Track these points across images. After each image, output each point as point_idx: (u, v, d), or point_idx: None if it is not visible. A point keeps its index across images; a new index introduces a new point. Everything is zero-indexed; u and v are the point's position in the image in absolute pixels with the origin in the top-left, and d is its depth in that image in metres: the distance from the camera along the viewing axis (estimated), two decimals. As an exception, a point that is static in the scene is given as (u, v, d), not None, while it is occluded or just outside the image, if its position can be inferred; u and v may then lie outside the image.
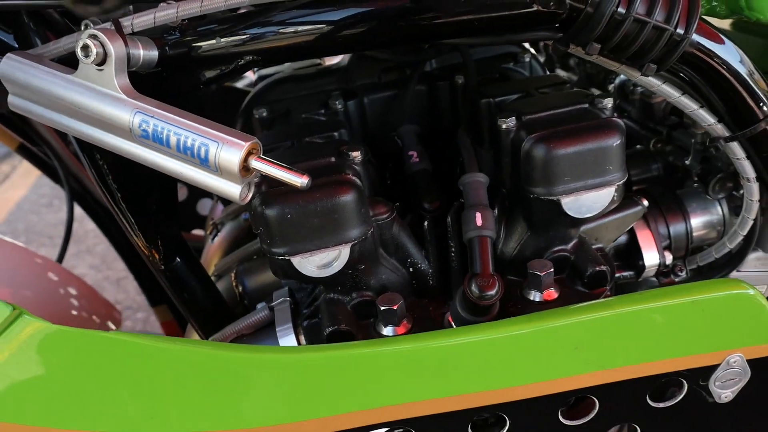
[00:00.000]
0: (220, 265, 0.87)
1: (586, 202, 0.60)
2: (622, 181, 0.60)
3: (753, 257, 0.76)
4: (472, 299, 0.54)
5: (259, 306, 0.71)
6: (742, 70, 0.58)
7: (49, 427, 0.52)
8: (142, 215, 0.68)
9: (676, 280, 0.76)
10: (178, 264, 0.73)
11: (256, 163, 0.49)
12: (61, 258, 1.18)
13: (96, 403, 0.52)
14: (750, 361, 0.58)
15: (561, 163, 0.58)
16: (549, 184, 0.59)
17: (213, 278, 0.84)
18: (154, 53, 0.58)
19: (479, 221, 0.57)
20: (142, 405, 0.52)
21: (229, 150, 0.49)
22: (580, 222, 0.61)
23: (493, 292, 0.54)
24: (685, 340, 0.56)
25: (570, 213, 0.59)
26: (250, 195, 0.51)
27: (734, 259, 0.74)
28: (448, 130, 0.78)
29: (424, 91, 0.78)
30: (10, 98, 0.58)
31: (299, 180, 0.48)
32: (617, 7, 0.52)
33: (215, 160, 0.50)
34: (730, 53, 0.57)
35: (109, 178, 0.64)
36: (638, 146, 0.86)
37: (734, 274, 0.77)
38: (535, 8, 0.54)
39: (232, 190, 0.51)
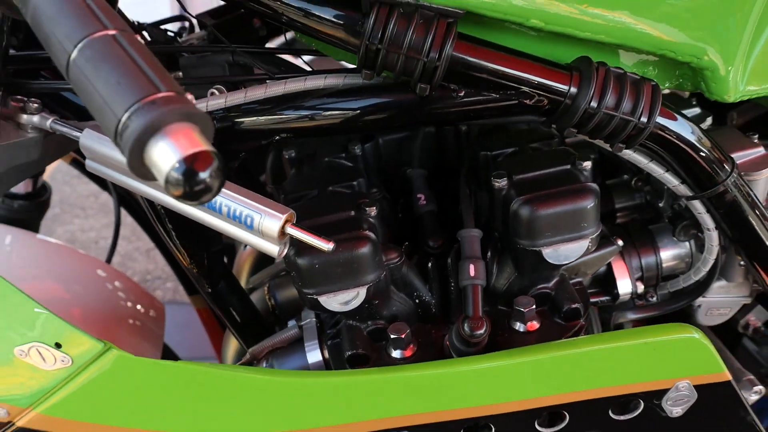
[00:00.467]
0: (254, 279, 1.00)
1: (564, 252, 0.71)
2: (595, 234, 0.72)
3: (717, 285, 0.88)
4: (465, 337, 0.67)
5: (290, 324, 0.85)
6: (697, 142, 0.69)
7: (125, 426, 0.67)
8: (193, 249, 0.81)
9: (649, 303, 0.88)
10: (222, 286, 0.87)
11: (290, 230, 0.61)
12: (109, 259, 1.32)
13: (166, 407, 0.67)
14: (696, 386, 0.70)
15: (543, 221, 0.70)
16: (532, 238, 0.71)
17: (247, 290, 0.98)
18: (204, 125, 0.70)
19: (472, 272, 0.69)
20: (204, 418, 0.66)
21: (270, 220, 0.61)
22: (559, 266, 0.73)
23: (481, 332, 0.67)
24: (640, 371, 0.69)
25: (550, 261, 0.71)
26: (285, 251, 0.64)
27: (700, 288, 0.86)
28: (452, 168, 0.90)
29: (432, 133, 0.89)
30: (88, 162, 0.70)
31: (325, 246, 0.61)
32: (590, 102, 0.63)
33: (259, 227, 0.62)
34: (685, 129, 0.69)
35: (167, 221, 0.77)
36: (625, 176, 0.97)
37: (700, 299, 0.88)
38: (522, 101, 0.65)
39: (272, 248, 0.63)
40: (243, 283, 1.06)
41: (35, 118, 0.71)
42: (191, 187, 0.37)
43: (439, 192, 0.88)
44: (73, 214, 2.94)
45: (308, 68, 0.84)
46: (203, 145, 0.37)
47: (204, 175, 0.37)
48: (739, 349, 1.20)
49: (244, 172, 1.18)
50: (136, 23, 0.91)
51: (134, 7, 0.90)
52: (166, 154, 0.37)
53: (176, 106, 0.38)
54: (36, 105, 0.71)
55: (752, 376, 1.01)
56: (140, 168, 0.38)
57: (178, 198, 0.37)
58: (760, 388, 0.94)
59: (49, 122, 0.71)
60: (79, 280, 1.28)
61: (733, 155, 0.76)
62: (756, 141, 0.81)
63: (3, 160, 0.73)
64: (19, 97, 0.71)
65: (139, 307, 1.38)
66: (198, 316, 1.52)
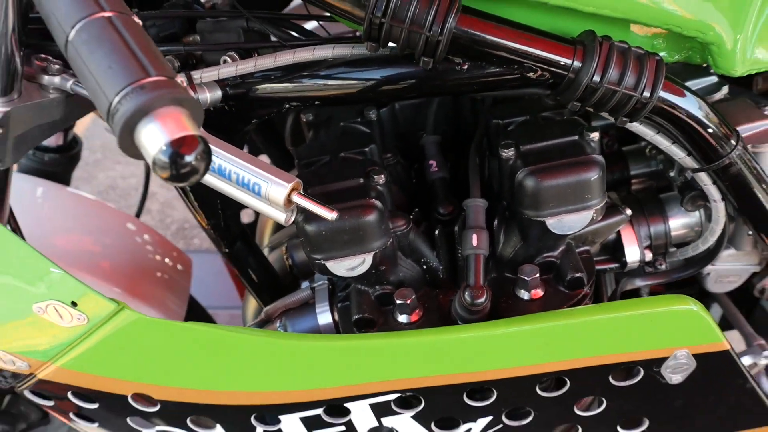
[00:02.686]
0: (273, 239, 1.03)
1: (568, 223, 0.73)
2: (600, 206, 0.73)
3: (726, 254, 0.88)
4: (466, 306, 0.69)
5: (303, 285, 0.88)
6: (702, 116, 0.69)
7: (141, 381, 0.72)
8: (210, 209, 0.84)
9: (657, 270, 0.89)
10: (239, 247, 0.90)
11: (296, 198, 0.64)
12: (138, 213, 1.37)
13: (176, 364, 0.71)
14: (695, 355, 0.72)
15: (547, 192, 0.71)
16: (536, 209, 0.72)
17: (266, 250, 1.01)
18: (218, 94, 0.72)
19: (475, 242, 0.71)
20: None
21: (277, 188, 0.64)
22: (564, 236, 0.75)
23: (482, 300, 0.69)
24: (639, 340, 0.71)
25: (554, 231, 0.73)
26: (293, 218, 0.66)
27: (709, 256, 0.86)
28: (468, 135, 0.91)
29: (447, 100, 0.90)
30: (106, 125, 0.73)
31: (329, 215, 0.63)
32: (593, 77, 0.63)
33: (266, 195, 0.64)
34: (690, 103, 0.68)
35: (184, 185, 0.80)
36: (642, 143, 0.97)
37: (709, 267, 0.89)
38: (527, 74, 0.65)
39: (279, 215, 0.65)
40: (265, 242, 1.10)
41: (56, 80, 0.73)
42: (177, 170, 0.39)
43: (454, 159, 0.89)
44: (114, 160, 2.98)
45: (325, 33, 0.86)
46: (190, 129, 0.39)
47: (189, 158, 0.39)
48: (758, 311, 1.21)
49: (270, 129, 1.21)
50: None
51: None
52: (154, 138, 0.39)
53: (165, 91, 0.40)
54: (57, 66, 0.74)
55: (763, 341, 1.02)
56: (130, 148, 0.41)
57: (165, 179, 0.40)
58: (770, 352, 0.96)
59: (69, 84, 0.73)
60: (108, 234, 1.32)
61: (740, 127, 0.76)
62: (766, 113, 0.80)
63: (26, 119, 0.76)
64: (42, 56, 0.73)
65: (167, 260, 1.43)
66: (226, 267, 1.57)
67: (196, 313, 1.24)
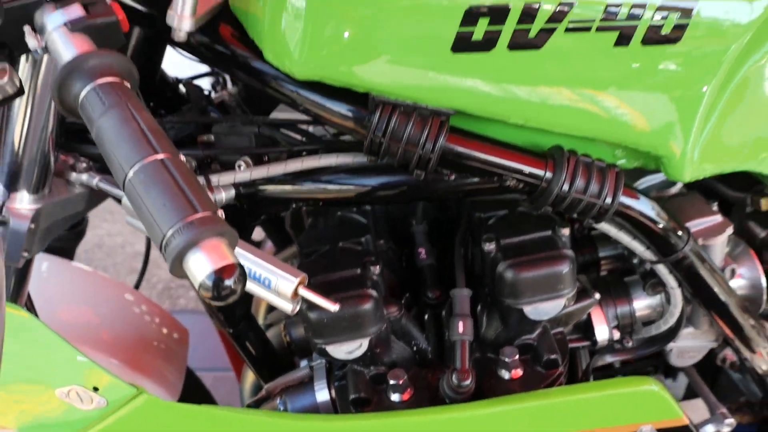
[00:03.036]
0: (271, 316, 1.11)
1: (544, 310, 0.82)
2: (571, 294, 0.82)
3: (685, 332, 0.97)
4: (453, 387, 0.78)
5: (302, 364, 0.96)
6: (656, 217, 0.79)
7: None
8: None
9: (625, 348, 0.98)
10: (243, 326, 0.98)
11: (302, 292, 0.72)
12: (137, 285, 1.43)
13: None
14: (658, 430, 0.80)
15: (524, 284, 0.80)
16: (515, 297, 0.81)
17: (264, 327, 1.09)
18: (232, 193, 0.81)
19: (461, 329, 0.80)
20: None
21: (285, 283, 0.72)
22: (540, 321, 0.84)
23: (467, 383, 0.77)
24: (607, 417, 0.79)
25: (531, 317, 0.82)
26: (297, 308, 0.74)
27: (670, 335, 0.96)
28: (452, 223, 1.00)
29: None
30: (127, 218, 0.81)
31: (331, 307, 0.71)
32: (562, 187, 0.74)
33: (276, 288, 0.72)
34: (646, 206, 0.79)
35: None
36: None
37: (671, 344, 0.98)
38: (505, 185, 0.76)
39: (286, 306, 0.73)
40: (260, 319, 1.17)
41: (84, 177, 0.82)
42: (219, 293, 0.48)
43: (440, 245, 0.98)
44: (101, 218, 3.01)
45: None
46: (230, 258, 0.48)
47: (229, 282, 0.48)
48: (723, 377, 1.30)
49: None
50: (174, 79, 1.02)
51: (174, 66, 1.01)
52: (200, 267, 0.47)
53: (210, 226, 0.48)
54: (84, 165, 0.82)
55: (725, 409, 1.10)
56: (179, 272, 0.49)
57: (207, 299, 0.48)
58: (731, 420, 1.04)
59: (95, 181, 0.82)
60: (108, 305, 1.38)
61: (692, 222, 0.87)
62: (714, 209, 0.91)
63: (55, 213, 0.84)
64: (69, 154, 0.82)
65: (164, 330, 1.48)
66: (218, 333, 1.63)
67: (188, 380, 1.29)
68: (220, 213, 0.51)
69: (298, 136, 0.89)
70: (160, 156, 0.52)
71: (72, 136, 0.86)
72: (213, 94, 1.09)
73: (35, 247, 0.83)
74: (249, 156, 0.82)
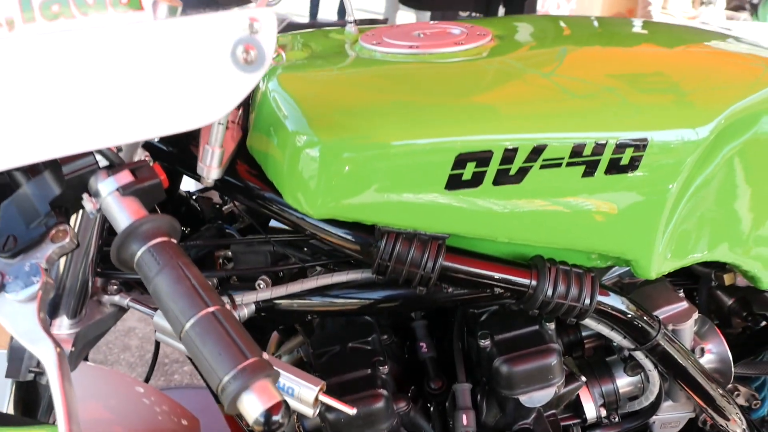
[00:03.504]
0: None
1: (537, 397, 0.92)
2: (561, 381, 0.92)
3: (665, 405, 1.08)
4: (459, 473, 0.87)
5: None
6: (630, 311, 0.90)
7: None
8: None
9: (612, 423, 1.08)
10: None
11: (322, 398, 0.81)
12: (147, 379, 1.50)
13: None
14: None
15: (519, 376, 0.90)
16: (511, 389, 0.91)
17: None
18: (252, 308, 0.90)
19: (465, 422, 0.90)
20: None
21: (307, 391, 0.81)
22: (534, 407, 0.93)
23: (472, 469, 0.87)
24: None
25: (526, 405, 0.92)
26: (317, 411, 0.83)
27: (651, 409, 1.06)
28: (448, 315, 1.10)
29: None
30: (158, 335, 0.90)
31: (349, 411, 0.80)
32: (545, 294, 0.84)
33: (298, 395, 0.82)
34: (620, 303, 0.90)
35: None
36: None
37: (653, 417, 1.08)
38: (496, 292, 0.86)
39: (308, 411, 0.82)
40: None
41: (116, 298, 0.91)
42: (270, 427, 0.57)
43: (439, 334, 1.08)
44: None
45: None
46: (277, 397, 0.57)
47: (277, 417, 0.57)
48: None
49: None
50: (187, 193, 1.12)
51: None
52: (253, 406, 0.56)
53: (258, 370, 0.58)
54: (115, 286, 0.91)
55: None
56: (234, 410, 0.58)
57: None
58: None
59: (126, 301, 0.90)
60: (119, 399, 1.44)
61: (662, 309, 0.98)
62: (681, 295, 1.02)
63: (89, 334, 0.92)
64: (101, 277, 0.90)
65: (175, 419, 1.55)
66: (215, 401, 1.68)
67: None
68: (265, 356, 0.61)
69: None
70: (211, 309, 0.61)
71: (103, 259, 0.95)
72: (223, 206, 1.19)
73: (72, 367, 0.91)
74: (266, 274, 0.92)
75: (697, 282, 1.29)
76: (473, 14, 3.70)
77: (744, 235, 0.97)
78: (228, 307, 0.65)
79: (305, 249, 0.96)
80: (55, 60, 0.54)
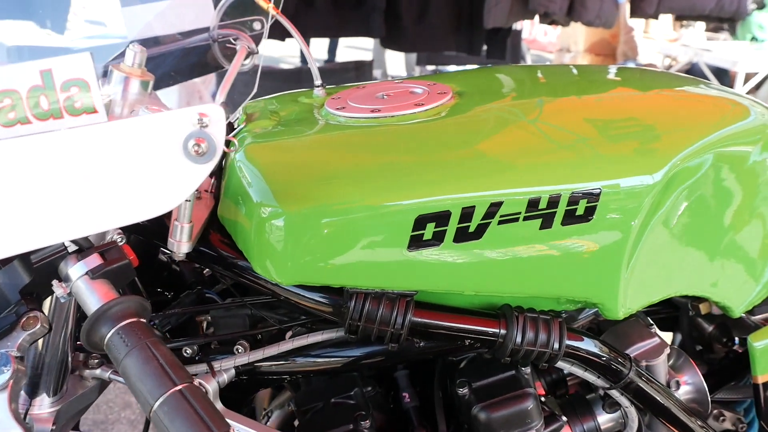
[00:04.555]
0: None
1: (516, 442, 0.93)
2: (540, 425, 0.94)
3: (645, 439, 1.09)
4: None
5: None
6: (600, 352, 0.92)
7: None
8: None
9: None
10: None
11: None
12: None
13: None
14: None
15: (497, 422, 0.92)
16: (489, 435, 0.93)
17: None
18: (232, 373, 0.92)
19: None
20: None
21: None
22: (515, 451, 0.95)
23: None
24: None
25: (506, 450, 0.93)
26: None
27: (634, 444, 1.07)
28: (430, 363, 1.12)
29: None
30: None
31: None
32: (515, 342, 0.87)
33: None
34: (590, 345, 0.92)
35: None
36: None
37: (635, 450, 1.10)
38: (468, 343, 0.89)
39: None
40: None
41: (97, 371, 0.93)
42: None
43: (421, 383, 1.10)
44: None
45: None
46: None
47: None
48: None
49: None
50: (168, 259, 1.15)
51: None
52: None
53: None
54: (96, 360, 0.93)
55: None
56: None
57: None
58: None
59: (108, 374, 0.92)
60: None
61: (635, 346, 1.00)
62: (652, 331, 1.04)
63: (71, 410, 0.93)
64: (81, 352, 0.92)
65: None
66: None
67: None
68: (232, 430, 0.63)
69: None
70: (179, 387, 0.64)
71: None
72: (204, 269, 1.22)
73: (57, 440, 0.92)
74: (244, 338, 0.95)
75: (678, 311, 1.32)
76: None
77: (706, 269, 1.00)
78: (197, 382, 0.68)
79: (282, 311, 0.99)
80: (16, 163, 0.57)
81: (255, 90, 0.97)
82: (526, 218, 0.82)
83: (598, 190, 0.83)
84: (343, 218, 0.78)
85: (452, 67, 5.67)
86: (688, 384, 1.08)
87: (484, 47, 3.79)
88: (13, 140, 0.56)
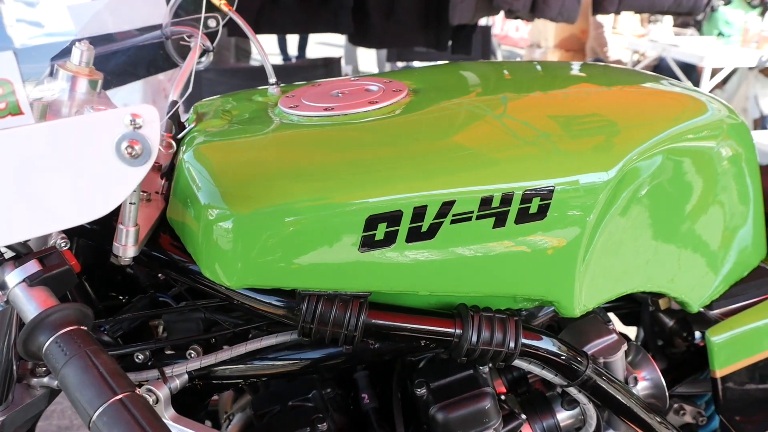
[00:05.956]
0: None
1: (475, 442, 0.93)
2: (497, 424, 0.93)
3: (604, 433, 1.09)
4: None
5: None
6: (557, 350, 0.92)
7: None
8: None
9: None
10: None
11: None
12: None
13: None
14: None
15: (455, 422, 0.91)
16: (447, 436, 0.92)
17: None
18: (185, 378, 0.90)
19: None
20: None
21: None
22: (474, 451, 0.94)
23: None
24: None
25: (464, 450, 0.93)
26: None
27: (593, 440, 1.07)
28: (390, 364, 1.11)
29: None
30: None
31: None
32: (470, 341, 0.86)
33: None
34: (547, 343, 0.92)
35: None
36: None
37: (597, 446, 1.10)
38: (423, 344, 0.88)
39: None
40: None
41: (45, 380, 0.90)
42: None
43: (381, 384, 1.09)
44: None
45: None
46: None
47: None
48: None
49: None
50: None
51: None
52: None
53: None
54: (44, 368, 0.90)
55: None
56: None
57: None
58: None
59: (56, 382, 0.89)
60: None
61: (593, 343, 1.00)
62: (611, 327, 1.04)
63: (17, 420, 0.90)
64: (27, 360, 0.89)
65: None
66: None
67: None
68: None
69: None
70: (119, 396, 0.62)
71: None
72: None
73: (3, 455, 0.89)
74: (197, 342, 0.93)
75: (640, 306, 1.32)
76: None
77: (663, 264, 1.00)
78: (145, 389, 0.65)
79: (236, 314, 0.97)
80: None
81: (190, 89, 0.95)
82: (479, 217, 0.81)
83: (552, 188, 0.83)
84: (293, 219, 0.77)
85: (421, 63, 5.67)
86: (646, 380, 1.09)
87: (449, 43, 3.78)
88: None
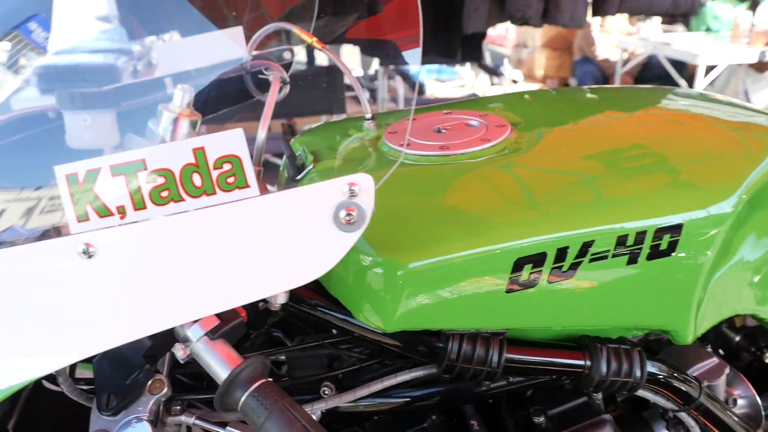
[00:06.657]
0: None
1: (596, 467, 0.97)
2: (616, 449, 0.97)
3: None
4: None
5: None
6: (675, 378, 0.96)
7: None
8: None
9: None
10: None
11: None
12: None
13: None
14: None
15: (577, 450, 0.95)
16: (569, 465, 0.96)
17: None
18: (318, 414, 0.93)
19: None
20: None
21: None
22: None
23: None
24: None
25: (585, 475, 0.96)
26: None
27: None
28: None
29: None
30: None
31: None
32: (600, 372, 0.90)
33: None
34: (656, 367, 0.96)
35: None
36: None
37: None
38: (553, 378, 0.91)
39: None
40: None
41: (181, 418, 0.92)
42: None
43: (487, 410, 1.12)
44: None
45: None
46: None
47: None
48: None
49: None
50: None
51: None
52: None
53: None
54: (179, 407, 0.92)
55: None
56: None
57: None
58: None
59: (192, 420, 0.92)
60: None
61: (696, 367, 1.04)
62: (709, 350, 1.09)
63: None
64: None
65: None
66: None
67: None
68: None
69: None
70: None
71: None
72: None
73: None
74: (328, 379, 0.95)
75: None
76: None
77: (757, 289, 1.04)
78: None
79: (357, 348, 0.99)
80: (172, 241, 0.57)
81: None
82: (614, 255, 0.84)
83: (680, 224, 0.87)
84: (446, 264, 0.80)
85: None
86: (742, 398, 1.13)
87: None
88: (169, 218, 0.56)
